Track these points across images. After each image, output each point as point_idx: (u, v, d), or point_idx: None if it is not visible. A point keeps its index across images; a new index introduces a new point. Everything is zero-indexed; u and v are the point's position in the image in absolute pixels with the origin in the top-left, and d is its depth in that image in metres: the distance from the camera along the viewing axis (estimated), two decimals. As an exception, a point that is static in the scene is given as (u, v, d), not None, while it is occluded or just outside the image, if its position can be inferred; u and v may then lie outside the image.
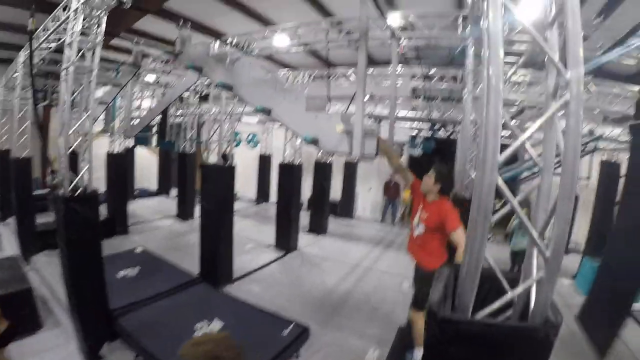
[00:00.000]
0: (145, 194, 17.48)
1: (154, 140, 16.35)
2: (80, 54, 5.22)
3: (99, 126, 12.07)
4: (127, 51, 10.82)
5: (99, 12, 5.36)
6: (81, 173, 5.33)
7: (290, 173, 10.94)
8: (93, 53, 5.37)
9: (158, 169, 18.38)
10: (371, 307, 7.21)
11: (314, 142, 4.35)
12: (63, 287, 5.41)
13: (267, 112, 4.67)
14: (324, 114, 4.48)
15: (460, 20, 6.55)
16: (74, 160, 5.28)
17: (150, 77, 12.58)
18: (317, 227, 12.83)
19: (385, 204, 16.89)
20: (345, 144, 4.29)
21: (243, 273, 8.59)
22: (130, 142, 13.89)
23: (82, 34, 5.23)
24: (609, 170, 10.70)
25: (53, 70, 10.10)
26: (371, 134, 4.05)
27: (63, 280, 5.30)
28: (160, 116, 14.17)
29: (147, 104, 14.66)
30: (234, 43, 7.64)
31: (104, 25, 5.44)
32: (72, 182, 5.17)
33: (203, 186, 8.03)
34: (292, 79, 11.54)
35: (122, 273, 7.63)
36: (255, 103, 4.80)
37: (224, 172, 8.10)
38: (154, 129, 16.30)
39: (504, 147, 1.81)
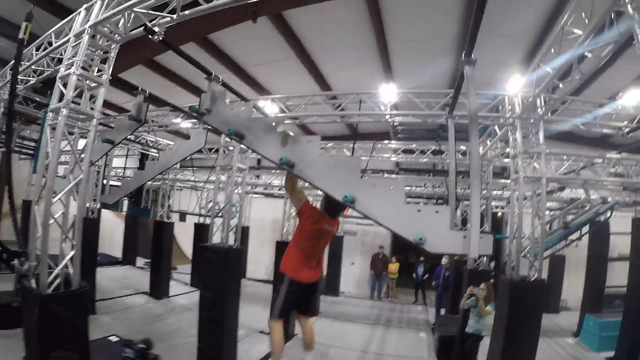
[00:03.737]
0: (108, 261, 15.43)
1: (124, 205, 14.80)
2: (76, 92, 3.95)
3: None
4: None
5: (112, 43, 4.20)
6: (65, 259, 3.86)
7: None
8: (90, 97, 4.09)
9: (124, 235, 16.37)
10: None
11: (421, 242, 3.22)
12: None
13: (352, 203, 3.49)
14: (428, 207, 3.46)
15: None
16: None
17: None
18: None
19: (373, 279, 16.36)
20: (459, 244, 3.23)
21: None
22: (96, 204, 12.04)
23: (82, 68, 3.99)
24: (600, 229, 10.62)
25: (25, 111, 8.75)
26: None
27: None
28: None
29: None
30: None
31: (113, 59, 4.27)
32: (51, 272, 3.74)
33: (201, 270, 6.63)
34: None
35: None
36: (329, 189, 3.63)
37: (231, 254, 6.71)
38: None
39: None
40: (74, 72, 4.06)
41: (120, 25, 4.41)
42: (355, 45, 9.14)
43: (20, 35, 3.63)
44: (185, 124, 9.56)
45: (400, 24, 8.31)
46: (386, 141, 10.63)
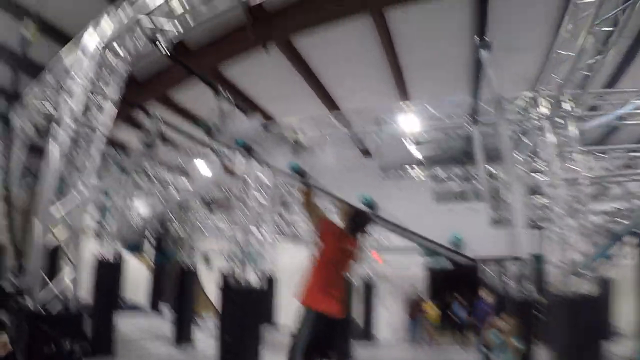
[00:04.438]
0: (132, 306, 15.36)
1: (149, 250, 14.62)
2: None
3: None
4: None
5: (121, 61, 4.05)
6: (62, 278, 3.56)
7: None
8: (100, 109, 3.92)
9: (150, 281, 16.20)
10: None
11: (456, 245, 2.69)
12: None
13: (369, 206, 3.03)
14: (463, 206, 2.99)
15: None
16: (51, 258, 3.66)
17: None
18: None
19: (409, 323, 15.52)
20: (502, 243, 2.70)
21: None
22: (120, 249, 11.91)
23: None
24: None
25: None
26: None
27: None
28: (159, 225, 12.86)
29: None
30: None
31: (123, 77, 4.11)
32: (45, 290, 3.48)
33: (223, 313, 6.45)
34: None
35: None
36: (347, 196, 3.18)
37: (254, 296, 6.31)
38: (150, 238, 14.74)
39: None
40: (80, 84, 3.91)
41: (128, 43, 4.33)
42: (368, 67, 9.00)
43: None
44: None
45: (412, 48, 8.17)
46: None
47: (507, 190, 2.92)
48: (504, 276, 9.69)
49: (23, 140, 6.52)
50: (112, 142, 11.24)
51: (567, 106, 5.44)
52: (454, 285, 15.94)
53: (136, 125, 9.36)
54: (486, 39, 3.30)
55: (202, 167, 8.18)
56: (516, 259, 7.49)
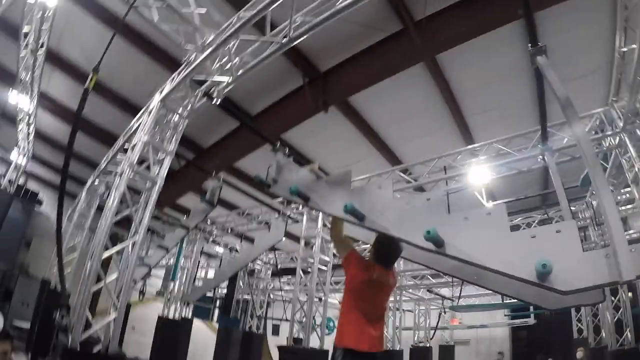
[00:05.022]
0: None
1: (214, 315, 14.61)
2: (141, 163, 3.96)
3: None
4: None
5: (179, 117, 4.21)
6: (106, 321, 3.48)
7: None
8: (161, 165, 4.08)
9: (215, 348, 15.92)
10: None
11: (545, 273, 2.25)
12: None
13: (438, 245, 2.72)
14: (546, 229, 2.57)
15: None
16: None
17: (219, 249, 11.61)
18: None
19: None
20: (602, 268, 2.22)
21: None
22: (188, 312, 12.02)
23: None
24: None
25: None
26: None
27: None
28: (226, 290, 12.92)
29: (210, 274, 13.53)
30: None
31: (180, 133, 4.28)
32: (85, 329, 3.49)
33: None
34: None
35: None
36: (410, 235, 2.91)
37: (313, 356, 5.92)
38: (217, 303, 14.74)
39: None
40: (140, 140, 4.08)
41: (185, 102, 4.55)
42: (429, 118, 8.94)
43: (86, 85, 3.76)
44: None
45: (471, 97, 8.14)
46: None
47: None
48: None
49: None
50: (180, 209, 11.86)
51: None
52: (546, 345, 14.21)
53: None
54: (539, 43, 3.03)
55: (269, 234, 8.25)
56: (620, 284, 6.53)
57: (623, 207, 7.11)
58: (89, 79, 3.75)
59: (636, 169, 5.02)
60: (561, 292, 2.28)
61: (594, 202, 7.21)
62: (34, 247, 13.05)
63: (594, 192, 7.25)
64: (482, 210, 2.76)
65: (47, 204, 14.01)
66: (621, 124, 5.21)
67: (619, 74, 4.82)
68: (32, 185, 13.65)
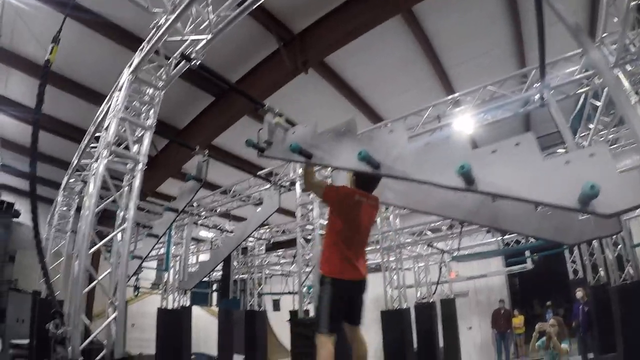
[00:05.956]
0: (202, 357, 14.94)
1: (214, 300, 14.46)
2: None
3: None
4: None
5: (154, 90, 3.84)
6: (106, 323, 3.22)
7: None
8: (141, 142, 3.73)
9: (218, 331, 15.86)
10: None
11: (589, 198, 2.06)
12: None
13: (470, 182, 2.48)
14: (580, 153, 2.36)
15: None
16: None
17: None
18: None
19: (497, 340, 13.85)
20: None
21: None
22: (186, 301, 11.80)
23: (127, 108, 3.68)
24: None
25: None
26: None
27: None
28: (221, 272, 12.76)
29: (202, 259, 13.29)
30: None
31: (158, 106, 3.92)
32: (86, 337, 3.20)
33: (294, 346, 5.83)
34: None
35: None
36: (435, 177, 2.67)
37: None
38: (214, 287, 14.57)
39: None
40: (115, 117, 3.69)
41: (160, 72, 4.17)
42: (409, 74, 8.79)
43: (46, 57, 3.36)
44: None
45: (451, 48, 8.04)
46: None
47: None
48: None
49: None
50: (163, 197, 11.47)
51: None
52: (544, 289, 14.55)
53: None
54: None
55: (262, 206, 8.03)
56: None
57: (613, 146, 7.13)
58: (49, 51, 3.32)
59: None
60: (605, 216, 2.12)
61: (584, 143, 7.14)
62: (19, 260, 12.47)
63: (582, 135, 7.27)
64: (510, 141, 2.53)
65: (26, 214, 13.33)
66: (613, 60, 5.03)
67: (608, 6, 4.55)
68: (7, 197, 13.00)
